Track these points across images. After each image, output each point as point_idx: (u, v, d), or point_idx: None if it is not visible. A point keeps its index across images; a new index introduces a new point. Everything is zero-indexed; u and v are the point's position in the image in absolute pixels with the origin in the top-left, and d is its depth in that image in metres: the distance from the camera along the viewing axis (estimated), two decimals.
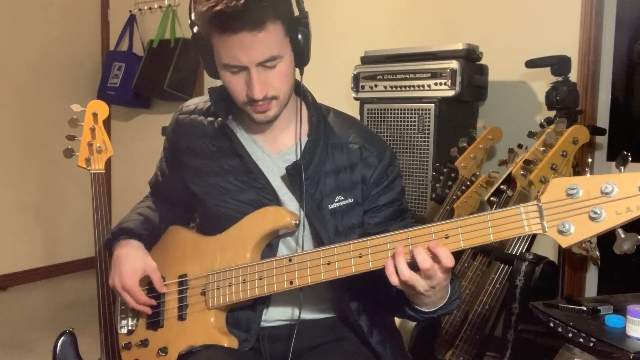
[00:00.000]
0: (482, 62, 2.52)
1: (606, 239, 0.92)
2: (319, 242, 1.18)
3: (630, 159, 0.89)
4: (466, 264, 2.11)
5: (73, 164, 1.67)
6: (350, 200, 1.20)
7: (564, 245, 0.89)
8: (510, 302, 1.83)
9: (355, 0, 3.16)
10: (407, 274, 0.96)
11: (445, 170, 2.31)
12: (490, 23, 2.69)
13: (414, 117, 2.43)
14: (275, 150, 1.24)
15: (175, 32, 3.74)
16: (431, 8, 2.87)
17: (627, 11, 2.48)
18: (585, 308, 1.24)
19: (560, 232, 0.88)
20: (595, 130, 2.24)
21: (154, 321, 1.28)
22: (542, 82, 2.50)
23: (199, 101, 1.32)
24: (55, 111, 3.85)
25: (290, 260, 1.10)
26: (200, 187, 1.26)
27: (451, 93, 2.35)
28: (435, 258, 0.96)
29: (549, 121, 2.06)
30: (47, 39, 3.92)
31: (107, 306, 1.62)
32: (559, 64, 2.15)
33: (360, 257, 1.03)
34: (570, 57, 2.19)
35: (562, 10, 2.50)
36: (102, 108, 1.67)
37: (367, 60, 2.62)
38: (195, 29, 1.12)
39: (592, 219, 0.86)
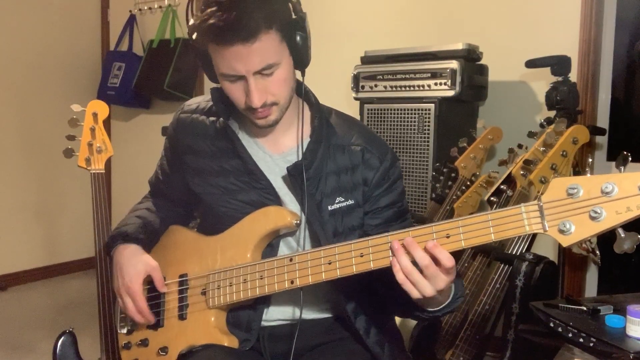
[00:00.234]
0: (482, 62, 2.52)
1: (606, 238, 0.92)
2: (317, 242, 1.18)
3: (630, 159, 0.90)
4: (466, 264, 2.11)
5: (73, 164, 1.66)
6: (350, 202, 1.20)
7: (564, 245, 0.89)
8: (510, 302, 1.83)
9: (355, 1, 3.16)
10: (409, 267, 0.97)
11: (445, 170, 2.31)
12: (490, 23, 2.69)
13: (414, 117, 2.43)
14: (277, 151, 1.24)
15: (175, 32, 3.74)
16: (431, 8, 2.88)
17: (627, 11, 2.48)
18: (585, 308, 1.24)
19: (561, 231, 0.89)
20: (595, 130, 2.24)
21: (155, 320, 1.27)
22: (542, 82, 2.50)
23: (200, 100, 1.32)
24: (55, 111, 3.85)
25: (291, 259, 1.10)
26: (201, 187, 1.26)
27: (451, 93, 2.35)
28: (434, 260, 0.96)
29: (549, 121, 2.06)
30: (47, 39, 3.92)
31: (107, 306, 1.62)
32: (559, 64, 2.15)
33: (362, 256, 1.03)
34: (570, 57, 2.19)
35: (562, 10, 2.50)
36: (102, 108, 1.67)
37: (367, 60, 2.62)
38: (195, 35, 1.12)
39: (592, 218, 0.86)
